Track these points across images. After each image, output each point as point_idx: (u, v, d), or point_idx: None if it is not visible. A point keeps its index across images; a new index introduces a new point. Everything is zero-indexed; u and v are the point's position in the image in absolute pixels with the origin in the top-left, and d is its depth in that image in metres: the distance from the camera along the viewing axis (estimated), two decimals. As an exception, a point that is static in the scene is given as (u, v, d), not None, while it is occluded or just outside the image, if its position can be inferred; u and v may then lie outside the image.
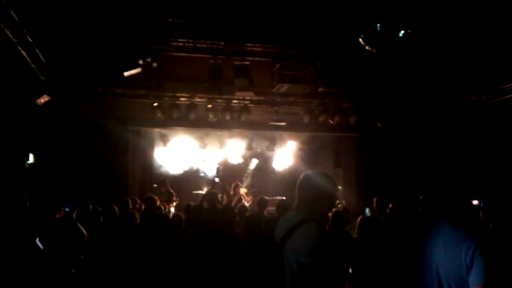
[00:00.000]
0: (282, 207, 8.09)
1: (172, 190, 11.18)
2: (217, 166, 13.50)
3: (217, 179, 11.15)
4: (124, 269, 5.72)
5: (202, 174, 14.12)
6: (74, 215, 7.44)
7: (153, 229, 6.91)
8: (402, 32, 5.08)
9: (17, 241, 6.65)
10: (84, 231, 3.41)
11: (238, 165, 14.11)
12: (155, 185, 12.80)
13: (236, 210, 8.40)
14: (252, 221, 8.06)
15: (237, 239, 7.84)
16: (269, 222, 7.64)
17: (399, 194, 9.43)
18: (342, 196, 12.81)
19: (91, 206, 7.90)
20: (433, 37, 7.89)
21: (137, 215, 6.65)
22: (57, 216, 7.95)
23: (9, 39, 6.93)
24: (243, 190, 11.84)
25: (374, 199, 7.20)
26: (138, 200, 9.08)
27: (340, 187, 12.45)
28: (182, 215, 7.68)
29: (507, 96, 9.48)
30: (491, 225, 4.80)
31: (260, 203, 8.32)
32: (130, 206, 8.24)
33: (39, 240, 7.63)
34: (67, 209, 7.81)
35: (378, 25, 5.32)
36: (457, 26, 7.51)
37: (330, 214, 5.81)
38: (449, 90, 10.51)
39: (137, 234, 6.25)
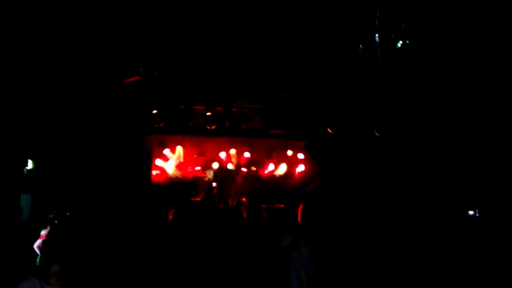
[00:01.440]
0: (278, 214, 8.15)
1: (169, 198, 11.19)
2: (215, 171, 13.54)
3: (214, 184, 11.20)
4: (120, 275, 5.73)
5: (200, 181, 14.10)
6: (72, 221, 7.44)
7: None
8: (400, 43, 5.15)
9: (17, 251, 6.67)
10: (80, 236, 3.43)
11: (236, 172, 14.12)
12: (153, 192, 12.80)
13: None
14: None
15: (234, 244, 7.85)
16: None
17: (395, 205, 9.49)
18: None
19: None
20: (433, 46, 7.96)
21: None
22: (55, 222, 7.97)
23: (10, 44, 6.99)
24: (242, 198, 11.85)
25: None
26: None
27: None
28: None
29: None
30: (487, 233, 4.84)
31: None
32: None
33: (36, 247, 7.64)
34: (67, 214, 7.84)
35: (377, 35, 5.37)
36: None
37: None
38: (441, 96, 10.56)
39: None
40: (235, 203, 10.99)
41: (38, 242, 7.70)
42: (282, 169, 14.20)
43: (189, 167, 13.82)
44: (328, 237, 2.97)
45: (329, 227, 3.03)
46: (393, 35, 5.40)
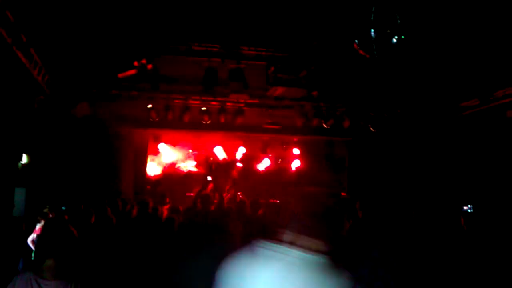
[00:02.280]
0: (272, 209, 8.19)
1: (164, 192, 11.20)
2: (210, 164, 13.55)
3: (209, 178, 11.19)
4: (115, 269, 5.73)
5: (195, 176, 14.10)
6: (66, 216, 7.43)
7: (147, 230, 6.93)
8: (396, 38, 5.13)
9: (11, 245, 6.65)
10: (74, 231, 3.43)
11: (231, 166, 14.13)
12: (149, 187, 12.82)
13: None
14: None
15: (230, 239, 7.86)
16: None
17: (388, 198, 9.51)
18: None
19: (83, 206, 7.95)
20: (427, 41, 7.96)
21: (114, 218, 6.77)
22: (50, 216, 7.95)
23: (4, 38, 6.92)
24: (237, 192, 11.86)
25: (357, 203, 7.27)
26: (127, 201, 9.22)
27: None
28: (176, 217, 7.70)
29: (499, 102, 9.58)
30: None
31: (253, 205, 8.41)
32: (120, 208, 8.31)
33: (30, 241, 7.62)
34: (63, 209, 7.82)
35: (372, 30, 5.36)
36: (449, 31, 7.58)
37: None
38: (442, 95, 10.60)
39: (130, 236, 6.27)
40: (230, 197, 11.00)
41: (32, 236, 7.69)
42: (277, 164, 14.24)
43: (184, 162, 13.83)
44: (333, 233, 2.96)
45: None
46: (388, 30, 5.39)
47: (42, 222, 8.00)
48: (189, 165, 13.97)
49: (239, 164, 14.18)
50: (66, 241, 3.32)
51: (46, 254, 3.20)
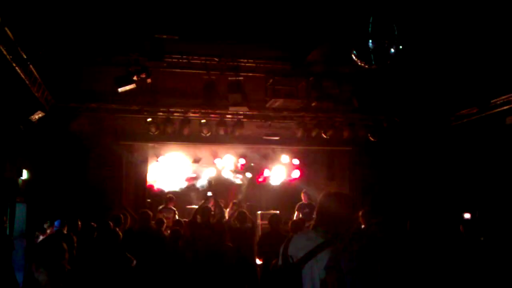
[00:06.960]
0: (274, 221, 8.24)
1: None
2: (209, 180, 13.51)
3: (209, 193, 11.19)
4: (116, 282, 5.71)
5: (195, 189, 14.05)
6: (65, 230, 7.39)
7: (148, 244, 6.93)
8: (394, 48, 5.17)
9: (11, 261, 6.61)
10: (65, 245, 3.43)
11: (231, 179, 14.10)
12: (148, 200, 12.77)
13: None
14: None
15: (228, 253, 7.90)
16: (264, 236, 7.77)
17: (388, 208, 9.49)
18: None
19: (80, 222, 7.91)
20: (424, 50, 8.02)
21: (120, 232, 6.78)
22: (49, 231, 7.93)
23: (4, 55, 6.95)
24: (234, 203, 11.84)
25: (360, 212, 7.20)
26: (128, 215, 9.23)
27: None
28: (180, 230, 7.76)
29: (497, 110, 9.60)
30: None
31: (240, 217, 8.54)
32: (123, 221, 8.29)
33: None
34: (56, 224, 7.75)
35: (370, 41, 5.39)
36: (447, 40, 7.63)
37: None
38: (440, 103, 10.64)
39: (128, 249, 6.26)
40: (230, 210, 10.98)
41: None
42: (277, 175, 14.19)
43: (184, 175, 13.78)
44: (349, 244, 2.92)
45: (352, 234, 2.98)
46: (386, 41, 5.41)
47: (41, 238, 7.99)
48: (189, 178, 13.92)
49: (239, 176, 14.12)
50: (58, 255, 3.32)
51: (40, 268, 3.22)
